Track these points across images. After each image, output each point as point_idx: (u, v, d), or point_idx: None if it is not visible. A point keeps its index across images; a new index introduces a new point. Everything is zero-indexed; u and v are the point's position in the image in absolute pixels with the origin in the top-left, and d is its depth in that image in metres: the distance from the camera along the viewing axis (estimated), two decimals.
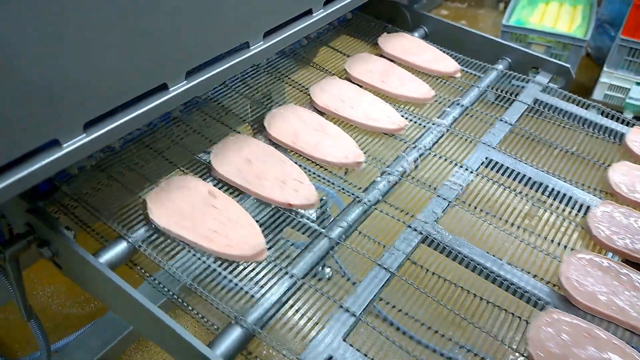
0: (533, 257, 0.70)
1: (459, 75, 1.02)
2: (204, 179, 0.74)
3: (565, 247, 0.71)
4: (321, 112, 0.89)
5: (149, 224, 0.67)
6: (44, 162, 0.53)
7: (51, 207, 0.70)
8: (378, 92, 0.95)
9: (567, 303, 0.64)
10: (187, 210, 0.68)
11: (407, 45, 1.06)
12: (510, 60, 1.07)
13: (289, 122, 0.84)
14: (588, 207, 0.76)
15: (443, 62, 1.03)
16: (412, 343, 0.60)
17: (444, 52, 1.07)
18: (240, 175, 0.73)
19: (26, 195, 0.67)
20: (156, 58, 0.59)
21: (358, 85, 0.95)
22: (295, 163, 0.78)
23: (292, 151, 0.81)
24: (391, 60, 1.03)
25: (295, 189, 0.72)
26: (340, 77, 0.97)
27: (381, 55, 1.04)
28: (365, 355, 0.57)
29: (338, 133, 0.84)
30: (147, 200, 0.68)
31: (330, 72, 0.99)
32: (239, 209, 0.69)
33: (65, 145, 0.55)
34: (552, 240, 0.71)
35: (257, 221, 0.68)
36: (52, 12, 0.47)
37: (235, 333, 0.57)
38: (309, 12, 0.81)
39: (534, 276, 0.67)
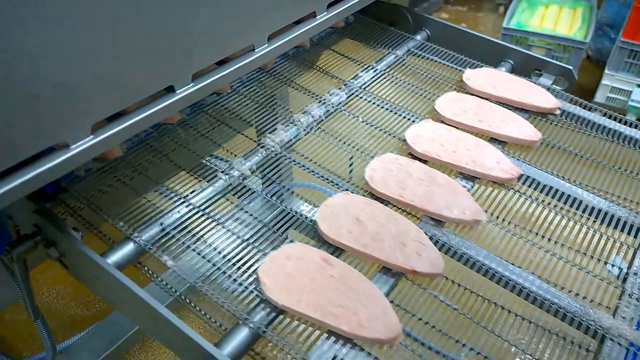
0: (534, 256, 0.70)
1: (558, 112, 0.93)
2: (314, 244, 0.68)
3: (563, 245, 0.71)
4: (421, 160, 0.82)
5: (265, 302, 0.61)
6: (52, 164, 0.54)
7: (58, 208, 0.70)
8: (477, 134, 0.87)
9: None
10: (305, 283, 0.61)
11: (494, 79, 0.98)
12: (512, 63, 1.08)
13: (392, 173, 0.76)
14: (593, 208, 0.77)
15: (539, 95, 0.94)
16: (416, 344, 0.61)
17: (537, 84, 0.98)
18: (353, 238, 0.67)
19: (33, 197, 0.68)
20: (163, 61, 0.60)
21: (453, 126, 0.87)
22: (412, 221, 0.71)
23: (400, 206, 0.74)
24: (481, 97, 0.95)
25: (417, 252, 0.66)
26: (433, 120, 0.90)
27: (468, 93, 0.97)
28: (370, 354, 0.58)
29: (448, 182, 0.76)
30: (260, 275, 0.62)
31: (335, 76, 1.00)
32: (361, 278, 0.63)
33: (73, 146, 0.55)
34: (556, 242, 0.72)
35: None
36: (61, 15, 0.48)
37: (242, 333, 0.58)
38: (312, 15, 0.81)
39: (539, 277, 0.67)
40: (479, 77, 0.99)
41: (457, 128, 0.87)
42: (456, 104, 0.91)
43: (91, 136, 0.57)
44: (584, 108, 0.96)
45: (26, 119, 0.49)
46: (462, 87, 0.98)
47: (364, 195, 0.75)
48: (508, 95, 0.94)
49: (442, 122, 0.89)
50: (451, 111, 0.89)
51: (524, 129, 0.86)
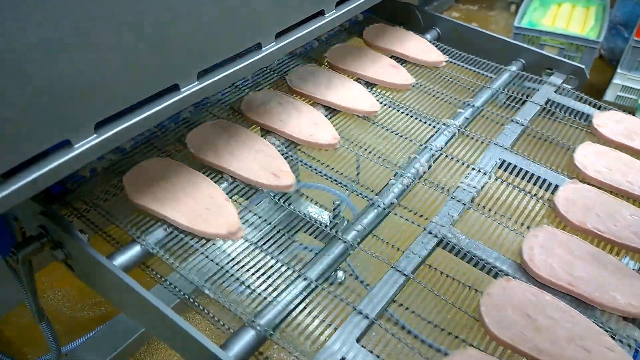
0: None
1: None
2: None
3: None
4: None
5: None
6: (56, 163, 0.53)
7: (64, 210, 0.70)
8: (629, 198, 0.79)
9: None
10: None
11: (625, 126, 0.90)
12: (523, 62, 1.06)
13: (554, 252, 0.68)
14: None
15: None
16: (425, 346, 0.60)
17: None
18: (528, 342, 0.58)
19: (39, 198, 0.67)
20: (168, 59, 0.59)
21: (596, 186, 0.79)
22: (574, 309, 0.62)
23: (570, 294, 0.65)
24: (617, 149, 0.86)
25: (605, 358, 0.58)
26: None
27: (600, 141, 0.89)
28: (378, 357, 0.57)
29: (618, 266, 0.67)
30: None
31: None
32: None
33: (76, 145, 0.55)
34: None
35: None
36: (63, 12, 0.47)
37: (248, 335, 0.57)
38: (321, 13, 0.80)
39: None
40: (610, 123, 0.91)
41: (601, 188, 0.79)
42: (598, 160, 0.83)
43: (94, 135, 0.56)
44: (594, 107, 0.94)
45: (29, 117, 0.49)
46: (590, 130, 0.91)
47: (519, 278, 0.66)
48: None
49: (586, 181, 0.81)
50: (595, 169, 0.81)
51: None
